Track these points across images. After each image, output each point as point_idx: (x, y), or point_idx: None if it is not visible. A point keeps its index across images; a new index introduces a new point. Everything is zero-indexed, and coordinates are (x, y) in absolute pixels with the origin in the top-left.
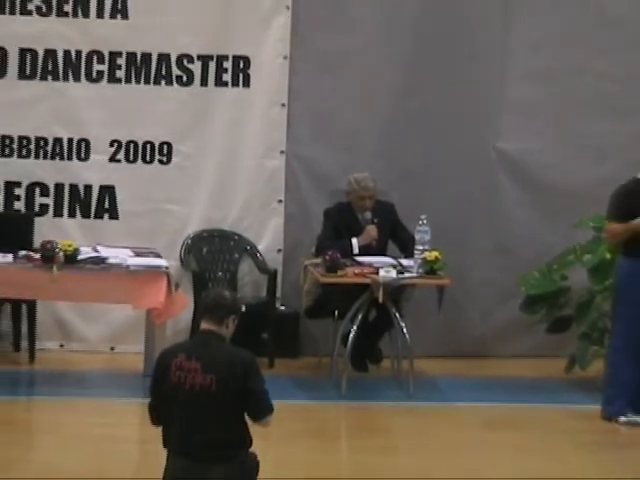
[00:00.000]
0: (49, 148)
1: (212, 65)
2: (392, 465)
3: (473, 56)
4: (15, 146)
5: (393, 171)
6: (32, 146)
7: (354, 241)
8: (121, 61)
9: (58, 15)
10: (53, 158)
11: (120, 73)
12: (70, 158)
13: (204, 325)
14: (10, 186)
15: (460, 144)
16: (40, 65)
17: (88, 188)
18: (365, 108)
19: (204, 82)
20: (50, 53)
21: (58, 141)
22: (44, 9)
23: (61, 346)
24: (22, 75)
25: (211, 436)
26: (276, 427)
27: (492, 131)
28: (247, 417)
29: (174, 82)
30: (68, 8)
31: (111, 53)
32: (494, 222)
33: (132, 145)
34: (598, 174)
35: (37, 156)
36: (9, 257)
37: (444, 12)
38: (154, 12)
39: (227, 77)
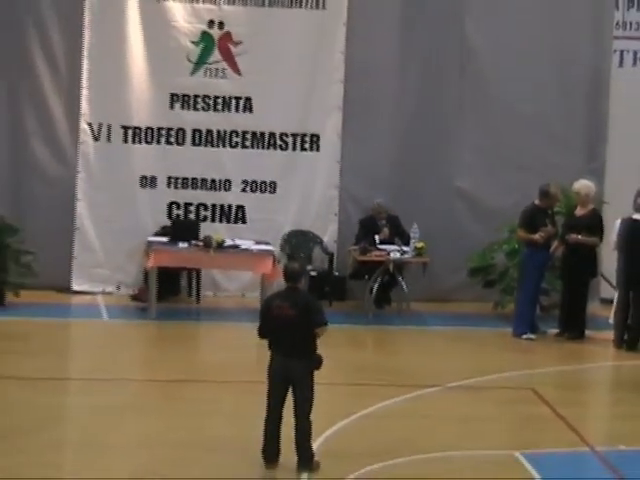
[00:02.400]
0: (208, 184)
1: (298, 139)
2: (398, 360)
3: None
4: (189, 183)
5: (397, 196)
6: (198, 183)
7: (376, 237)
8: (248, 136)
9: (214, 111)
10: (210, 189)
11: (247, 142)
12: (219, 189)
13: (288, 283)
14: (187, 205)
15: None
16: (204, 138)
17: (230, 206)
18: (393, 162)
19: (294, 148)
20: (209, 132)
21: (213, 180)
22: (205, 107)
23: (214, 294)
24: (194, 143)
25: (294, 343)
26: (329, 338)
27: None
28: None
29: (277, 148)
30: (219, 107)
31: (243, 132)
32: (455, 227)
33: (254, 183)
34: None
35: (202, 188)
36: (185, 244)
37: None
38: (266, 109)
39: (306, 145)
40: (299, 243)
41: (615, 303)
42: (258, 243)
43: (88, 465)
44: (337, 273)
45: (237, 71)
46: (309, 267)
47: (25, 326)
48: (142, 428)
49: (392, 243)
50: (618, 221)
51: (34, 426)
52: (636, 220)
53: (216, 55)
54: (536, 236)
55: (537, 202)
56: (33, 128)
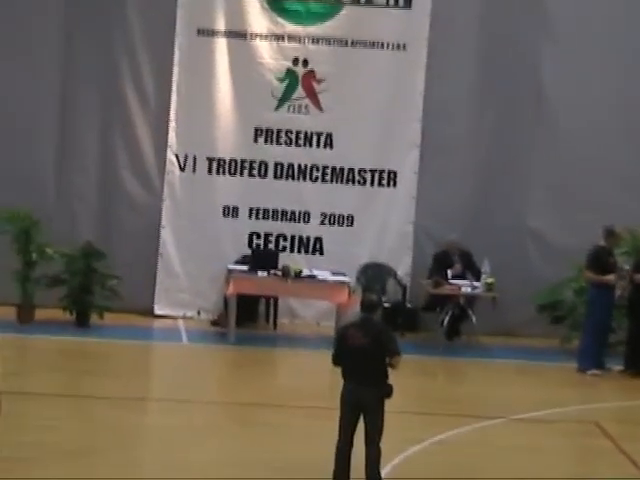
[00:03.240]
0: (288, 215)
1: (376, 174)
2: (466, 391)
3: None
4: (270, 214)
5: (469, 232)
6: (279, 214)
7: (448, 271)
8: (328, 171)
9: (296, 145)
10: (290, 221)
11: (327, 177)
12: (299, 221)
13: (364, 313)
14: (267, 235)
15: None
16: (285, 171)
17: (308, 238)
18: (467, 199)
19: (372, 184)
20: (291, 166)
21: (292, 212)
22: (287, 142)
23: (290, 322)
24: (275, 176)
25: (366, 371)
26: (400, 368)
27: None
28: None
29: (356, 183)
30: (301, 142)
31: (323, 167)
32: (524, 264)
33: (332, 216)
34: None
35: (282, 219)
36: (265, 273)
37: None
38: (346, 145)
39: (384, 181)
40: (374, 275)
41: None
42: (334, 274)
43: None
44: (410, 305)
45: (319, 108)
46: (383, 298)
47: (108, 347)
48: (218, 449)
49: (464, 278)
50: None
51: (115, 444)
52: None
53: (300, 92)
54: (610, 277)
55: (602, 243)
56: (123, 159)
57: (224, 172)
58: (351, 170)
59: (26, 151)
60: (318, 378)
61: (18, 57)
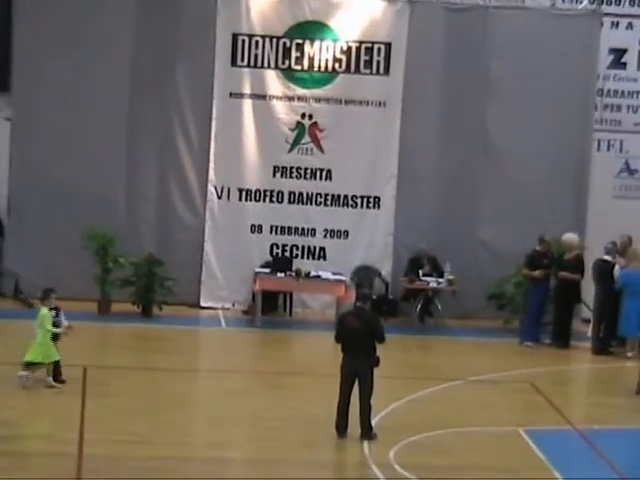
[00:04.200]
0: (299, 231)
1: (365, 199)
2: (434, 361)
3: None
4: (286, 230)
5: (436, 242)
6: (292, 230)
7: (420, 271)
8: (329, 197)
9: (304, 179)
10: (301, 235)
11: (328, 202)
12: (307, 235)
13: (358, 304)
14: (284, 246)
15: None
16: (297, 198)
17: (315, 247)
18: (434, 218)
19: (362, 206)
20: (301, 194)
21: (303, 229)
22: (298, 176)
23: (302, 311)
24: (289, 202)
25: (360, 347)
26: (385, 344)
27: None
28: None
29: (350, 206)
30: (308, 176)
31: (325, 194)
32: (477, 265)
33: (332, 231)
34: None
35: (295, 234)
36: (282, 274)
37: None
38: (342, 178)
39: (370, 205)
40: (364, 275)
41: (592, 321)
42: (335, 274)
43: (214, 431)
44: (391, 297)
45: (321, 150)
46: (371, 292)
47: (166, 332)
48: (249, 407)
49: (431, 276)
50: (617, 267)
51: (174, 404)
52: (604, 260)
53: (307, 138)
54: (536, 273)
55: (537, 248)
56: (175, 190)
57: (251, 199)
58: (346, 196)
59: (103, 185)
60: (323, 352)
61: (93, 118)
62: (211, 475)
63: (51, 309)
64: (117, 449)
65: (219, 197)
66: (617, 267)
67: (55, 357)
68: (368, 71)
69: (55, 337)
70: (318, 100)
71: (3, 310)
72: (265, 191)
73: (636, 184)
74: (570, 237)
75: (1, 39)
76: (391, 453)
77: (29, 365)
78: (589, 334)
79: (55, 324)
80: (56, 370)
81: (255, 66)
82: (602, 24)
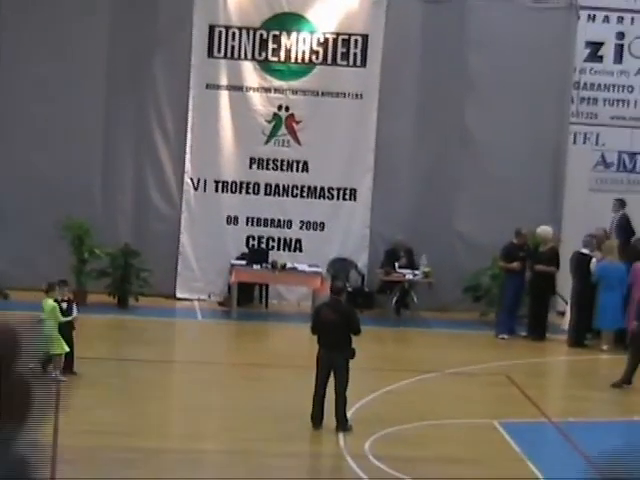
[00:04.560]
0: (275, 223)
1: (341, 191)
2: (409, 353)
3: None
4: (262, 222)
5: (412, 234)
6: (269, 222)
7: (396, 263)
8: (305, 189)
9: (281, 170)
10: (277, 227)
11: (304, 194)
12: (283, 227)
13: (333, 296)
14: (260, 238)
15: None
16: (273, 190)
17: (291, 239)
18: (410, 210)
19: (338, 198)
20: (277, 185)
21: (279, 220)
22: (274, 168)
23: (278, 302)
24: (265, 193)
25: (335, 339)
26: (361, 336)
27: None
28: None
29: (326, 198)
30: (284, 168)
31: (301, 186)
32: (453, 257)
33: (308, 223)
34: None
35: (271, 226)
36: (258, 266)
37: None
38: (318, 170)
39: (347, 197)
40: (340, 267)
41: (567, 314)
42: (311, 266)
43: (190, 422)
44: (367, 289)
45: (298, 142)
46: (347, 284)
47: (142, 323)
48: (225, 398)
49: (407, 268)
50: (594, 260)
51: (150, 396)
52: (582, 253)
53: (283, 130)
54: (514, 265)
55: (514, 240)
56: (151, 182)
57: (227, 191)
58: (322, 188)
59: (79, 176)
60: (299, 344)
61: (71, 111)
62: (187, 466)
63: (62, 301)
64: (92, 440)
65: (195, 189)
66: (594, 260)
67: (64, 349)
68: (345, 63)
69: (67, 329)
70: (295, 92)
71: None
72: (241, 183)
73: (612, 177)
74: (544, 230)
75: None
76: (366, 445)
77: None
78: (564, 327)
79: (65, 315)
80: (67, 362)
81: (232, 57)
82: (579, 17)
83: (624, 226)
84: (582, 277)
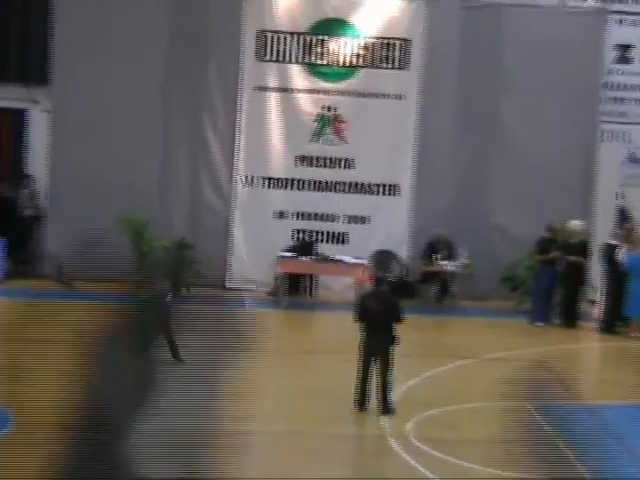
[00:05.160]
0: (321, 217)
1: (384, 187)
2: (450, 339)
3: None
4: (309, 216)
5: (452, 227)
6: (315, 216)
7: (437, 255)
8: (350, 185)
9: (327, 167)
10: (323, 221)
11: (350, 189)
12: (329, 221)
13: (375, 285)
14: (307, 231)
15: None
16: (319, 186)
17: (336, 233)
18: (450, 203)
19: (382, 194)
20: (323, 182)
21: (325, 214)
22: (321, 165)
23: (324, 292)
24: (312, 189)
25: (379, 327)
26: (404, 324)
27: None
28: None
29: (370, 193)
30: (330, 165)
31: (347, 182)
32: (491, 249)
33: (353, 217)
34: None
35: (317, 220)
36: (305, 258)
37: None
38: (363, 167)
39: (390, 192)
40: (383, 258)
41: (598, 302)
42: (355, 258)
43: (240, 406)
44: (409, 279)
45: (343, 140)
46: (390, 275)
47: (193, 312)
48: (273, 383)
49: (447, 260)
50: (622, 250)
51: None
52: (611, 244)
53: (329, 129)
54: (551, 255)
55: (545, 235)
56: (205, 179)
57: (276, 187)
58: (367, 184)
59: (138, 174)
60: (344, 332)
61: (128, 109)
62: (236, 447)
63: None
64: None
65: (245, 185)
66: (622, 250)
67: None
68: (387, 66)
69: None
70: (340, 93)
71: (46, 291)
72: (289, 179)
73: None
74: (575, 224)
75: (41, 35)
76: (408, 426)
77: None
78: (595, 315)
79: None
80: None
81: (280, 61)
82: (607, 21)
83: None
84: (612, 267)
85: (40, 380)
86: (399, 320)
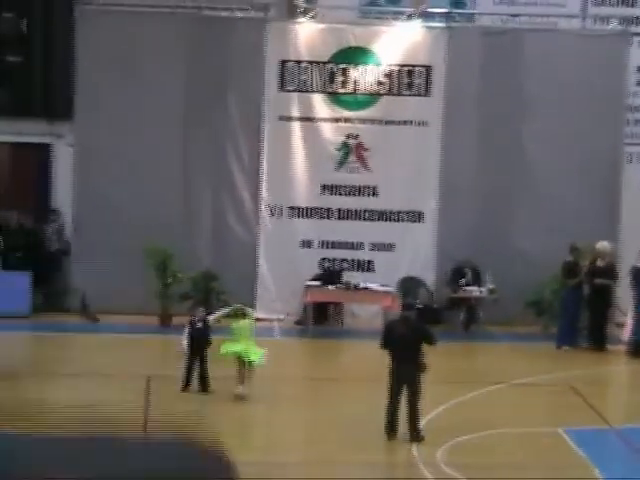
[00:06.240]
0: (347, 245)
1: (409, 214)
2: (477, 365)
3: None
4: (335, 244)
5: (476, 253)
6: (341, 245)
7: (462, 281)
8: (375, 213)
9: (351, 196)
10: (349, 249)
11: (374, 217)
12: (356, 249)
13: (403, 312)
14: (333, 260)
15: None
16: (344, 214)
17: (363, 260)
18: (474, 230)
19: (406, 221)
20: (348, 210)
21: (351, 243)
22: (345, 193)
23: (352, 320)
24: (337, 218)
25: (407, 354)
26: (432, 351)
27: None
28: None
29: (395, 221)
30: (354, 193)
31: (371, 210)
32: (515, 274)
33: (379, 244)
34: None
35: (343, 248)
36: (332, 286)
37: None
38: (387, 194)
39: (414, 219)
40: (410, 285)
41: (626, 325)
42: (382, 285)
43: (268, 435)
44: (435, 306)
45: (367, 168)
46: (417, 302)
47: (222, 342)
48: (301, 411)
49: (473, 285)
50: None
51: (227, 409)
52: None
53: (352, 157)
54: (580, 279)
55: (569, 258)
56: (229, 209)
57: (301, 216)
58: (392, 212)
59: (162, 206)
60: (372, 359)
61: (150, 141)
62: (263, 478)
63: (198, 321)
64: None
65: (271, 215)
66: None
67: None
68: (409, 93)
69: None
70: (363, 121)
71: (70, 324)
72: (314, 208)
73: None
74: (603, 245)
75: (65, 70)
76: (438, 453)
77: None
78: (623, 337)
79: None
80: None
81: (302, 90)
82: (630, 43)
83: None
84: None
85: (68, 413)
86: (432, 342)
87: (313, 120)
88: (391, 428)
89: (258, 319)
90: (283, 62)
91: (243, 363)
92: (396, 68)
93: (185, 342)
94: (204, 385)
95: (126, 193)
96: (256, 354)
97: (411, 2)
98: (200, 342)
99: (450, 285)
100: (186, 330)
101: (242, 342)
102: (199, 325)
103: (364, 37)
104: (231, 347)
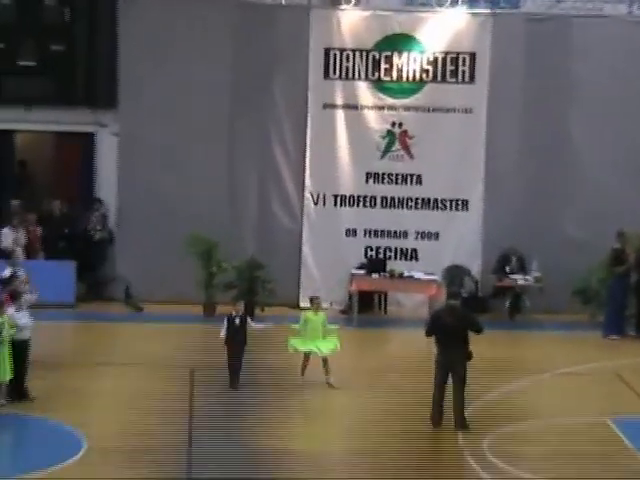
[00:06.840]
0: (392, 234)
1: (453, 202)
2: (523, 353)
3: None
4: (379, 233)
5: (522, 240)
6: (385, 233)
7: (507, 268)
8: (419, 201)
9: (395, 184)
10: (393, 237)
11: (419, 205)
12: (400, 237)
13: (449, 301)
14: (377, 248)
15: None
16: (389, 202)
17: (407, 249)
18: (520, 217)
19: (451, 209)
20: (392, 198)
21: (395, 231)
22: (389, 181)
23: (396, 309)
24: (382, 206)
25: (453, 343)
26: (477, 339)
27: None
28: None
29: (439, 209)
30: (399, 181)
31: (416, 198)
32: (562, 261)
33: (423, 233)
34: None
35: (388, 237)
36: (377, 275)
37: None
38: (432, 182)
39: (459, 207)
40: (455, 274)
41: None
42: (426, 274)
43: (315, 424)
44: (481, 294)
45: (411, 156)
46: (462, 290)
47: (268, 332)
48: (348, 399)
49: (518, 273)
50: None
51: (276, 400)
52: None
53: (397, 146)
54: (628, 266)
55: (616, 245)
56: (274, 197)
57: (345, 204)
58: (436, 200)
59: (206, 195)
60: (417, 348)
61: (195, 130)
62: (312, 466)
63: (236, 316)
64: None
65: (315, 203)
66: None
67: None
68: (454, 80)
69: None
70: (407, 109)
71: (114, 314)
72: (359, 197)
73: None
74: None
75: (108, 59)
76: (484, 442)
77: None
78: None
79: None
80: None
81: (346, 78)
82: None
83: None
84: None
85: (111, 404)
86: (479, 330)
87: (357, 108)
88: (436, 416)
89: (302, 308)
90: (327, 50)
91: (308, 357)
92: (440, 55)
93: (222, 335)
94: (232, 382)
95: (170, 181)
96: (328, 345)
97: None
98: (236, 340)
99: (495, 273)
100: (225, 324)
101: (310, 335)
102: (237, 322)
103: (408, 24)
104: (299, 344)
